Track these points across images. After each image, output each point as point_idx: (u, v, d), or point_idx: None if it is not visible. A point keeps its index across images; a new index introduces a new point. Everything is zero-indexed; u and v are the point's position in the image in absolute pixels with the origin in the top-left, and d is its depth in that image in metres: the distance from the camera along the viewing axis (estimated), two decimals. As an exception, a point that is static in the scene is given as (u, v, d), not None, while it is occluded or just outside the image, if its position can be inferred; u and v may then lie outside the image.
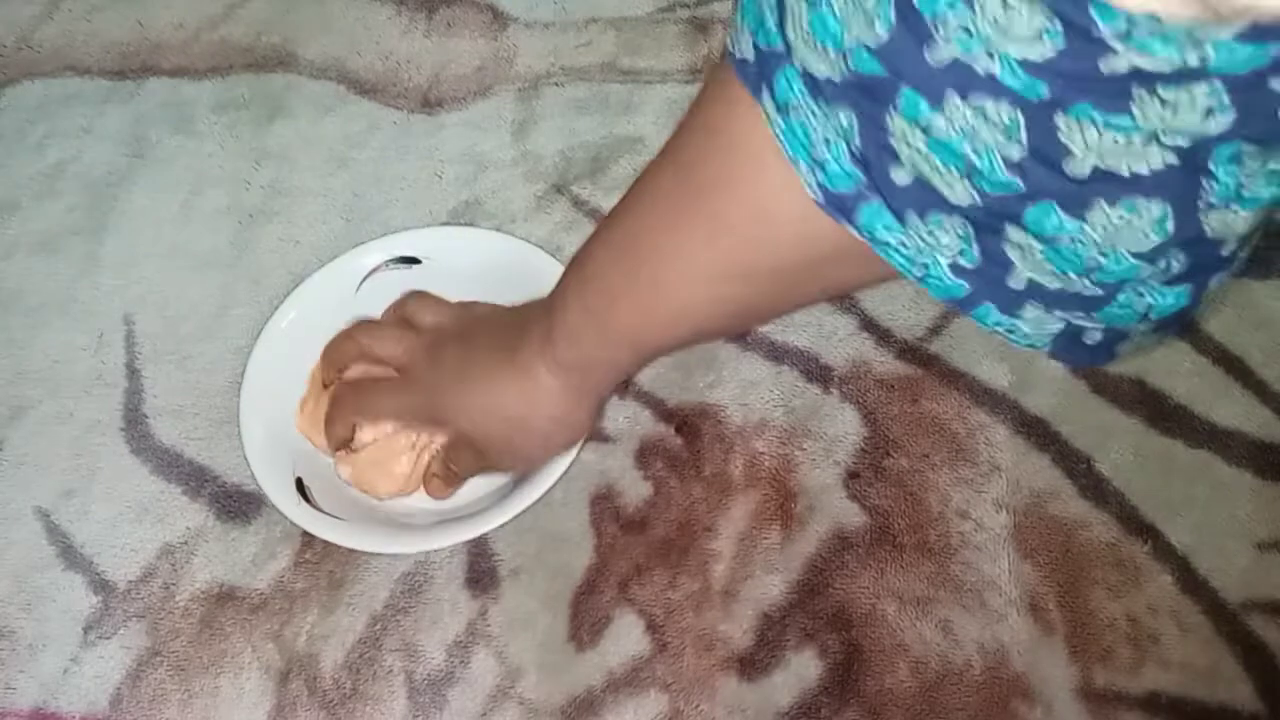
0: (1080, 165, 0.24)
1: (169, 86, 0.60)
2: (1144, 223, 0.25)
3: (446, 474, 0.45)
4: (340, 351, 0.46)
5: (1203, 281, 0.27)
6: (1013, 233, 0.26)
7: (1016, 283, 0.27)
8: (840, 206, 0.27)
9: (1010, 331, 0.29)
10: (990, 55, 0.23)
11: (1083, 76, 0.22)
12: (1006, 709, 0.41)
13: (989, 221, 0.26)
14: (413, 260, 0.49)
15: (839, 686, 0.41)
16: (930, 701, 0.41)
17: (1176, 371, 0.48)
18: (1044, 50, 0.22)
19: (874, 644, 0.42)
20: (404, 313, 0.47)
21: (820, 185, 0.27)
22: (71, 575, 0.45)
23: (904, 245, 0.27)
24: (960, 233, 0.26)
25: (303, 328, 0.47)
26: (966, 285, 0.28)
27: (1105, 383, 0.48)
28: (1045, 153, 0.24)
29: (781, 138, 0.27)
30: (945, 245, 0.27)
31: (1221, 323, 0.49)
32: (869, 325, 0.50)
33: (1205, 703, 0.41)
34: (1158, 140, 0.23)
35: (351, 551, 0.45)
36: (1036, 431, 0.46)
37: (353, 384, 0.46)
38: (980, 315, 0.28)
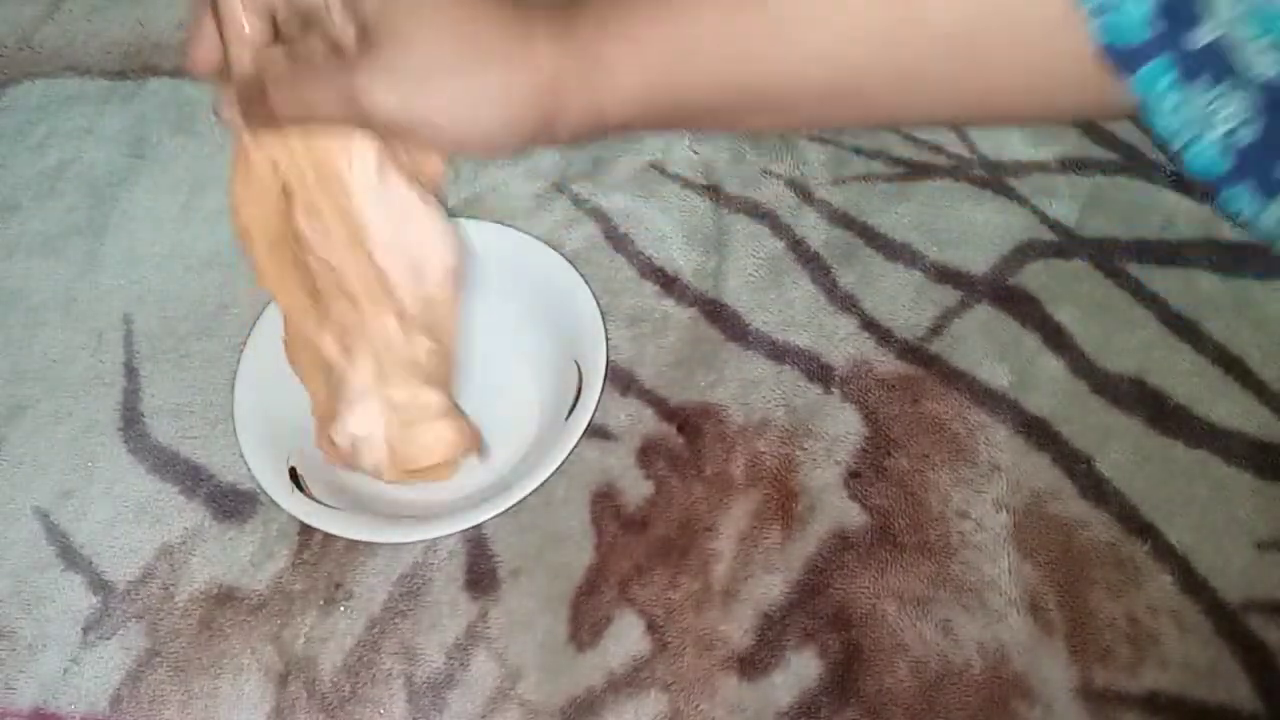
0: None
1: (170, 87, 0.60)
2: None
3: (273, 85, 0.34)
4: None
5: None
6: None
7: None
8: (1123, 58, 0.25)
9: (1255, 217, 0.27)
10: None
11: None
12: (1006, 709, 0.41)
13: None
14: None
15: (839, 686, 0.41)
16: (930, 701, 0.41)
17: (1176, 371, 0.48)
18: None
19: (874, 644, 0.42)
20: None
21: (1106, 28, 0.25)
22: (71, 575, 0.45)
23: (1178, 110, 0.25)
24: (1246, 106, 0.25)
25: None
26: (1231, 163, 0.26)
27: (1105, 383, 0.48)
28: None
29: None
30: (1226, 117, 0.25)
31: (1221, 323, 0.49)
32: (870, 325, 0.50)
33: (1205, 702, 0.41)
34: None
35: (349, 553, 0.45)
36: (1036, 431, 0.46)
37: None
38: (1231, 196, 0.26)
